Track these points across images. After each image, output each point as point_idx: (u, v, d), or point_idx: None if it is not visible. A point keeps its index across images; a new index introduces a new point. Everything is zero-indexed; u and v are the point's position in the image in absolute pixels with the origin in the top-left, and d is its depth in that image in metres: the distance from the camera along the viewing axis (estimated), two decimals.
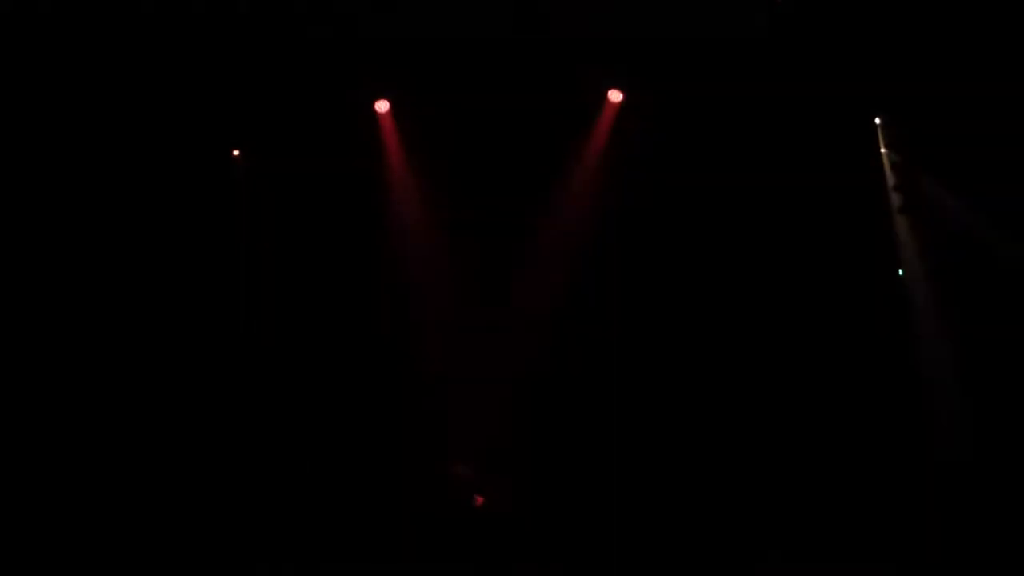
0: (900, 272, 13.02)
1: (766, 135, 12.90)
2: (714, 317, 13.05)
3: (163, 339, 13.22)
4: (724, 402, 12.88)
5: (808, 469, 12.55)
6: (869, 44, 12.32)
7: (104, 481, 12.69)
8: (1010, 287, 12.39)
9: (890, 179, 13.12)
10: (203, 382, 13.23)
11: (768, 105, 12.74)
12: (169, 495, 12.76)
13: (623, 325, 13.19)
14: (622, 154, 13.27)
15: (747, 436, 12.76)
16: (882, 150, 13.12)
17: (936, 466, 12.39)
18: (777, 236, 13.05)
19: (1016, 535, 11.67)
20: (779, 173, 12.89)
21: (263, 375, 13.38)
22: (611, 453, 12.90)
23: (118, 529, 12.49)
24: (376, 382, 13.41)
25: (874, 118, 13.10)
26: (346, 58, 12.85)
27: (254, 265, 13.58)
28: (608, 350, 13.16)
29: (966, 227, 12.65)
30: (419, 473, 12.91)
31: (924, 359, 12.80)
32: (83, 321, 13.01)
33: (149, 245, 13.22)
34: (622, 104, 13.29)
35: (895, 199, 13.09)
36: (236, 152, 13.62)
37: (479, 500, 12.51)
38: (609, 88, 13.28)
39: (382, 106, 13.49)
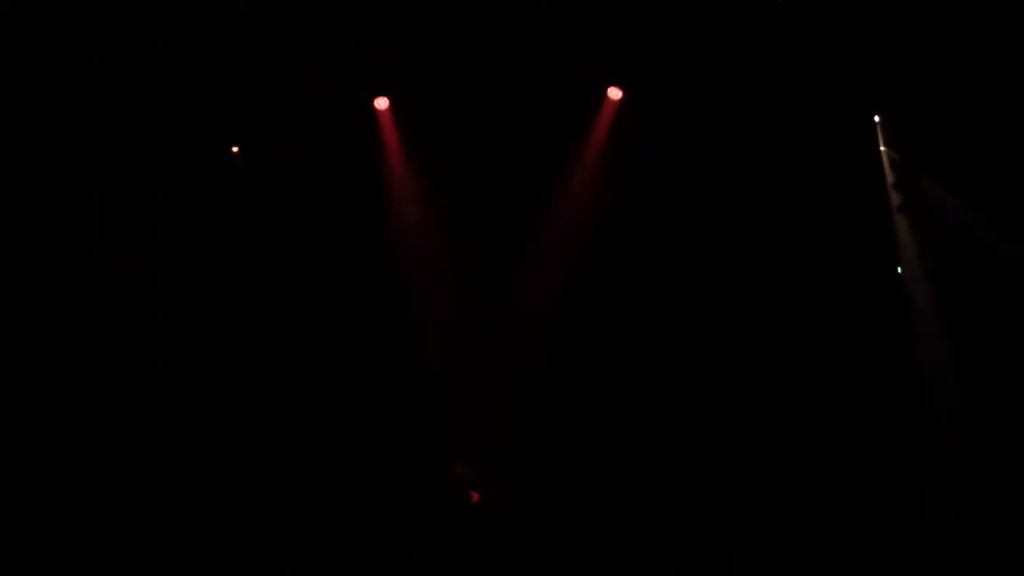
0: (899, 270, 13.01)
1: (766, 134, 12.91)
2: (714, 316, 13.07)
3: (162, 337, 13.19)
4: (724, 401, 12.91)
5: (807, 468, 12.58)
6: (869, 44, 12.31)
7: (103, 480, 12.68)
8: (1009, 286, 12.39)
9: (889, 178, 13.10)
10: (202, 380, 13.23)
11: (768, 105, 12.74)
12: (167, 494, 12.74)
13: (623, 324, 13.21)
14: (622, 153, 13.26)
15: (747, 435, 12.79)
16: (881, 149, 13.09)
17: (935, 464, 12.40)
18: (777, 235, 13.06)
19: (1016, 535, 11.67)
20: (779, 172, 12.92)
21: (262, 374, 13.39)
22: (611, 452, 12.93)
23: (117, 529, 12.47)
24: (376, 381, 13.41)
25: (873, 117, 13.07)
26: (346, 58, 12.81)
27: (254, 263, 13.59)
28: (608, 349, 13.18)
29: (965, 226, 12.65)
30: (419, 472, 12.90)
31: (923, 358, 12.80)
32: (79, 319, 12.98)
33: (149, 243, 13.19)
34: (622, 102, 13.26)
35: (894, 198, 13.08)
36: (235, 149, 13.57)
37: (475, 496, 12.50)
38: (609, 87, 13.24)
39: (381, 103, 13.46)
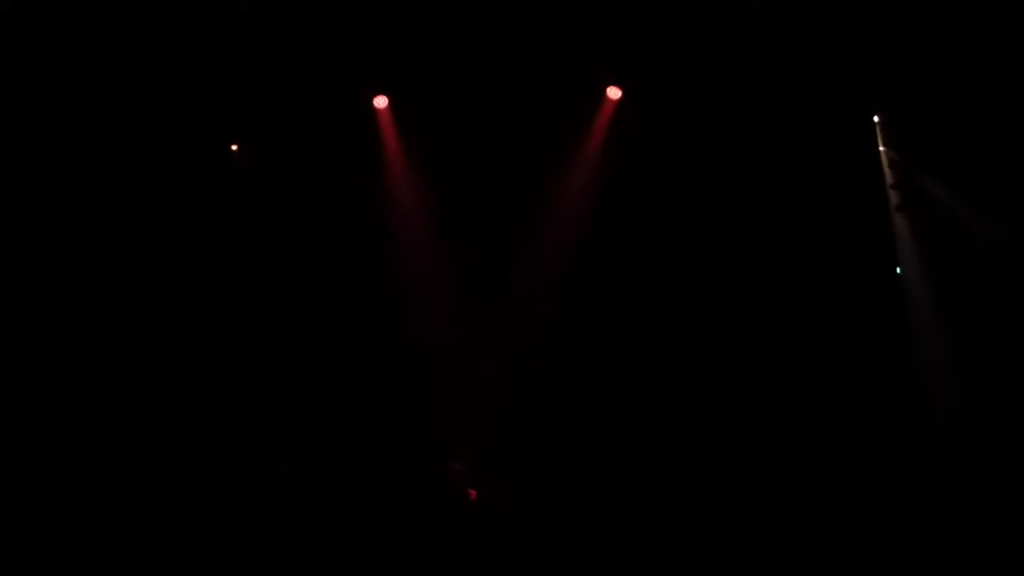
0: (898, 271, 13.02)
1: (765, 134, 12.90)
2: (713, 316, 13.05)
3: (161, 336, 13.21)
4: (723, 401, 12.89)
5: (806, 467, 12.56)
6: (869, 44, 12.30)
7: (102, 479, 12.67)
8: (1008, 286, 12.39)
9: (888, 178, 13.10)
10: (200, 379, 13.23)
11: (768, 105, 12.75)
12: (165, 493, 12.74)
13: (622, 323, 13.20)
14: (621, 152, 13.24)
15: (745, 435, 12.77)
16: (880, 149, 13.10)
17: (932, 464, 12.41)
18: (776, 234, 13.04)
19: (1015, 534, 11.69)
20: (778, 171, 12.92)
21: (262, 373, 13.39)
22: (611, 452, 12.92)
23: (115, 528, 12.46)
24: (375, 380, 13.40)
25: (873, 117, 13.07)
26: (346, 56, 12.81)
27: (252, 260, 13.60)
28: (608, 348, 13.18)
29: (964, 226, 12.65)
30: (417, 472, 12.89)
31: (921, 357, 12.80)
32: (80, 317, 13.00)
33: (148, 242, 13.22)
34: (621, 101, 13.25)
35: (893, 198, 13.08)
36: (234, 147, 13.57)
37: (472, 494, 12.51)
38: (608, 86, 13.24)
39: (381, 102, 13.46)
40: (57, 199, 12.88)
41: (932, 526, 12.02)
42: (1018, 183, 12.14)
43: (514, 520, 12.47)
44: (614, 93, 13.27)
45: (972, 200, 12.49)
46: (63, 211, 12.92)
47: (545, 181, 13.37)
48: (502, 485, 12.65)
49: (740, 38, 12.45)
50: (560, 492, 12.82)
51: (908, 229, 13.04)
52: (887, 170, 13.12)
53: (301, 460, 13.05)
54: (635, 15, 12.46)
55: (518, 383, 13.14)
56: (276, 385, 13.38)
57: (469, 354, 13.25)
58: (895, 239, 13.05)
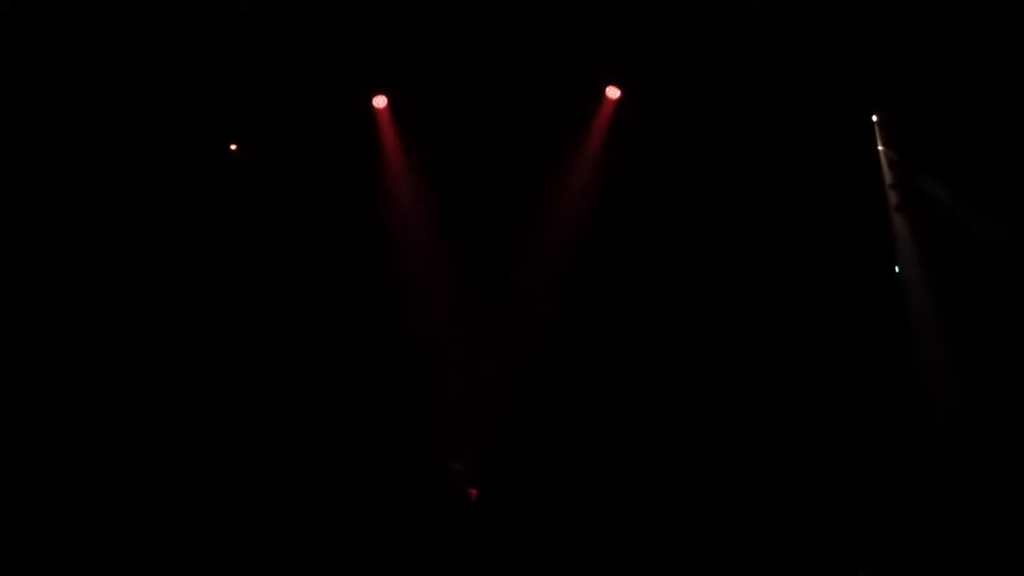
0: (897, 270, 13.03)
1: (764, 134, 12.92)
2: (713, 316, 13.07)
3: (162, 336, 13.21)
4: (723, 400, 12.91)
5: (806, 466, 12.58)
6: (868, 43, 12.31)
7: (102, 479, 12.66)
8: (1008, 285, 12.41)
9: (887, 177, 13.11)
10: (201, 379, 13.23)
11: (767, 104, 12.76)
12: (166, 493, 12.73)
13: (622, 323, 13.21)
14: (621, 151, 13.24)
15: (745, 435, 12.78)
16: (879, 148, 13.11)
17: (932, 463, 12.42)
18: (775, 234, 13.05)
19: (1014, 534, 11.70)
20: (777, 171, 12.93)
21: (262, 373, 13.40)
22: (611, 452, 12.93)
23: (116, 528, 12.44)
24: (375, 380, 13.41)
25: (871, 117, 13.08)
26: (345, 56, 12.80)
27: (252, 260, 13.60)
28: (608, 348, 13.20)
29: (963, 225, 12.66)
30: (417, 472, 12.89)
31: (920, 357, 12.81)
32: (80, 318, 12.99)
33: (148, 242, 13.22)
34: (621, 101, 13.24)
35: (892, 197, 13.08)
36: (233, 147, 13.56)
37: (473, 493, 12.52)
38: (607, 86, 13.24)
39: (380, 101, 13.46)
40: (57, 199, 12.88)
41: (932, 526, 12.02)
42: (1018, 183, 12.16)
43: (514, 519, 12.46)
44: (613, 93, 13.25)
45: (972, 200, 12.50)
46: (63, 211, 12.91)
47: (545, 181, 13.38)
48: (502, 485, 12.64)
49: (740, 38, 12.43)
50: (560, 492, 12.81)
51: (907, 229, 13.03)
52: (886, 170, 13.11)
53: (301, 460, 13.02)
54: (635, 15, 12.45)
55: (518, 383, 13.15)
56: (276, 385, 13.37)
57: (469, 354, 13.26)
58: (894, 239, 13.05)
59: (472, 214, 13.35)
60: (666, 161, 13.11)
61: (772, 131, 12.92)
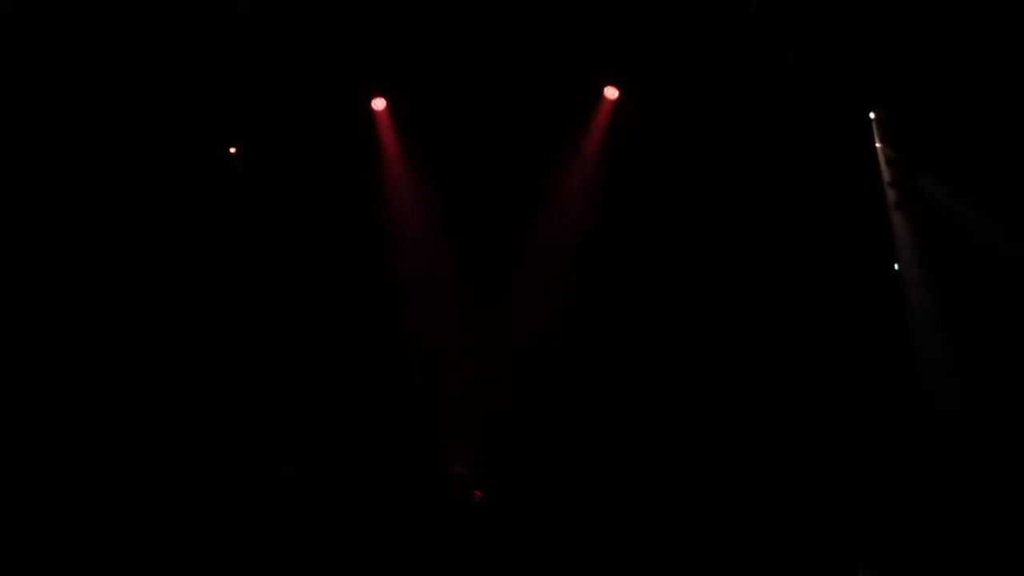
0: (896, 267, 13.04)
1: (763, 132, 12.92)
2: (713, 315, 13.07)
3: (162, 337, 13.22)
4: (723, 400, 12.91)
5: (806, 466, 12.59)
6: (868, 43, 12.30)
7: (102, 479, 12.66)
8: (1006, 283, 12.42)
9: (886, 175, 13.11)
10: (201, 380, 13.23)
11: (766, 104, 12.75)
12: (166, 493, 12.73)
13: (622, 323, 13.22)
14: (620, 152, 13.23)
15: (745, 435, 12.79)
16: (877, 146, 13.11)
17: (932, 463, 12.44)
18: (775, 233, 13.06)
19: (1014, 534, 11.72)
20: (777, 171, 12.94)
21: (262, 373, 13.39)
22: (612, 451, 12.94)
23: (116, 528, 12.44)
24: (375, 380, 13.41)
25: (869, 114, 13.08)
26: (344, 57, 12.78)
27: (252, 261, 13.59)
28: (608, 348, 13.19)
29: (962, 223, 12.67)
30: (417, 472, 12.89)
31: (919, 355, 12.82)
32: (81, 319, 12.99)
33: (148, 244, 13.21)
34: (620, 101, 13.24)
35: (891, 195, 13.09)
36: (232, 150, 13.55)
37: (478, 495, 12.53)
38: (606, 86, 13.23)
39: (379, 104, 13.44)
40: (57, 200, 12.86)
41: (932, 526, 12.03)
42: (1018, 183, 12.16)
43: (513, 519, 12.47)
44: (612, 93, 13.24)
45: (972, 200, 12.50)
46: (63, 212, 12.89)
47: (545, 181, 13.38)
48: (502, 485, 12.65)
49: (740, 38, 12.42)
50: (560, 492, 12.82)
51: (906, 227, 13.03)
52: (885, 168, 13.12)
53: (301, 460, 13.02)
54: (634, 15, 12.44)
55: (518, 383, 13.15)
56: (276, 385, 13.36)
57: (469, 354, 13.26)
58: (894, 238, 13.05)
59: (472, 214, 13.34)
60: (665, 160, 13.11)
61: (771, 130, 12.91)
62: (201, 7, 12.12)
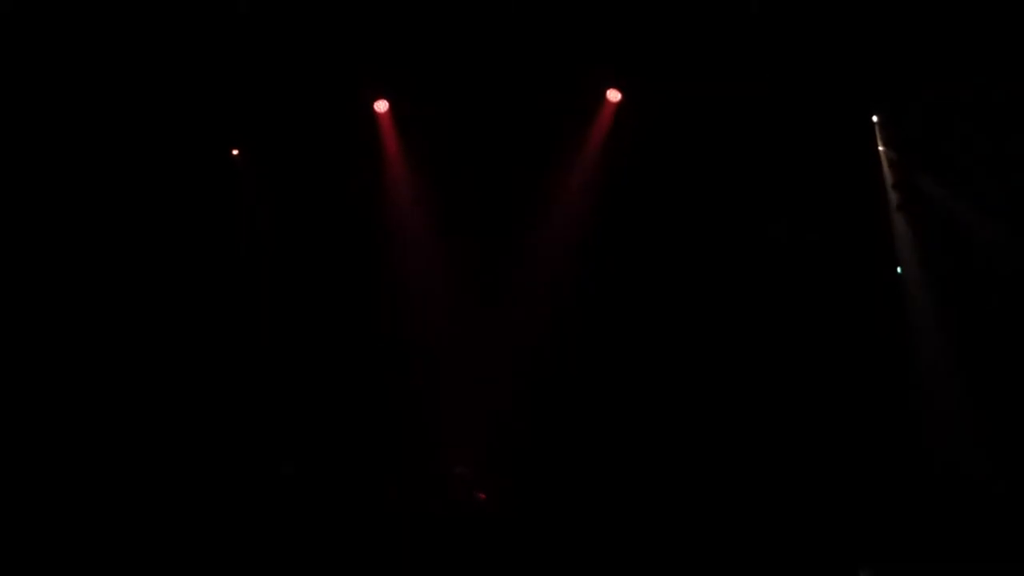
0: (898, 270, 13.02)
1: (765, 134, 12.91)
2: (713, 316, 13.06)
3: (163, 337, 13.24)
4: (723, 400, 12.90)
5: (806, 466, 12.57)
6: (868, 44, 12.30)
7: (103, 479, 12.68)
8: (1006, 284, 12.39)
9: (888, 177, 13.10)
10: (201, 380, 13.25)
11: (767, 105, 12.75)
12: (166, 493, 12.74)
13: (623, 323, 13.21)
14: (621, 152, 13.24)
15: (745, 435, 12.77)
16: (880, 149, 13.10)
17: (932, 463, 12.41)
18: (776, 234, 13.05)
19: (1014, 534, 11.68)
20: (778, 171, 12.93)
21: (262, 374, 13.41)
22: (612, 451, 12.93)
23: (116, 528, 12.45)
24: (375, 380, 13.42)
25: (871, 117, 13.07)
26: (346, 58, 12.81)
27: (253, 262, 13.61)
28: (608, 348, 13.19)
29: (964, 225, 12.65)
30: (417, 472, 12.90)
31: (919, 355, 12.80)
32: (82, 319, 13.02)
33: (149, 244, 13.25)
34: (621, 103, 13.24)
35: (893, 197, 13.07)
36: (235, 152, 13.59)
37: (482, 496, 12.52)
38: (608, 87, 13.24)
39: (381, 106, 13.47)
40: (58, 201, 12.89)
41: (932, 526, 11.99)
42: (1018, 183, 12.14)
43: (513, 519, 12.46)
44: (614, 95, 13.25)
45: (972, 200, 12.48)
46: (64, 213, 12.93)
47: (545, 181, 13.39)
48: (502, 485, 12.65)
49: (740, 38, 12.43)
50: (560, 492, 12.81)
51: (908, 229, 13.01)
52: (887, 170, 13.10)
53: (301, 460, 13.03)
54: (635, 15, 12.45)
55: (518, 383, 13.15)
56: (276, 385, 13.38)
57: (469, 354, 13.25)
58: (895, 239, 13.04)
59: (472, 214, 13.36)
60: (666, 161, 13.11)
61: (772, 131, 12.91)
62: (201, 7, 12.15)
